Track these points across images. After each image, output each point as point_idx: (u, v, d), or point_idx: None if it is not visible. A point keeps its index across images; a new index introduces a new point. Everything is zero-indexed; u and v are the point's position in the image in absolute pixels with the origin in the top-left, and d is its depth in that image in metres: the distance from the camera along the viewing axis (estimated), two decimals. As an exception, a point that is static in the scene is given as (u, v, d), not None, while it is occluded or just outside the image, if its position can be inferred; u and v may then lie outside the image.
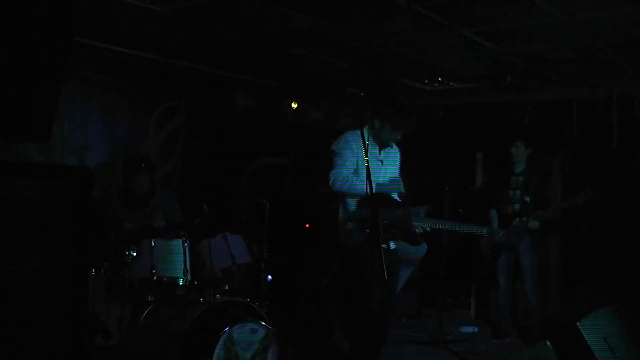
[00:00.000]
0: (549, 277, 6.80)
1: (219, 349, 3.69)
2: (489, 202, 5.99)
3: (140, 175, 4.90)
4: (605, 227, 6.30)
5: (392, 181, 4.19)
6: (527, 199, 5.71)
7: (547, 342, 4.27)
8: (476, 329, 6.11)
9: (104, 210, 4.81)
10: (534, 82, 6.14)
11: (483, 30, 4.41)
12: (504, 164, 5.94)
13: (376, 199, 3.56)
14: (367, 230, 3.66)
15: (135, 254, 4.39)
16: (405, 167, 4.34)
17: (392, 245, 4.05)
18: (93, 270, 4.33)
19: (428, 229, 4.03)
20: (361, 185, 3.72)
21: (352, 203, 4.07)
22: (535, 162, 5.95)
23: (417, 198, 7.12)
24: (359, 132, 3.74)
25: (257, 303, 4.36)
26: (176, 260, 4.40)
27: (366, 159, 3.56)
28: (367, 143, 3.66)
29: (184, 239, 4.44)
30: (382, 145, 4.18)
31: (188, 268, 4.41)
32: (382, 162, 4.19)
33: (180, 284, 4.40)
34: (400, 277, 4.30)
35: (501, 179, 5.95)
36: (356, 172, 4.01)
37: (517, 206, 5.75)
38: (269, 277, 4.78)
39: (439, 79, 6.19)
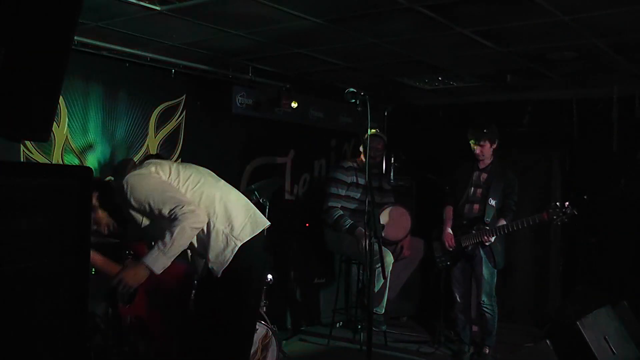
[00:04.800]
0: (549, 277, 6.80)
1: (219, 349, 3.67)
2: (444, 199, 5.43)
3: None
4: (605, 227, 6.30)
5: None
6: (492, 202, 5.06)
7: (547, 342, 4.28)
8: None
9: None
10: (534, 82, 6.14)
11: (483, 30, 4.40)
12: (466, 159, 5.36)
13: None
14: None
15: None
16: (406, 168, 4.26)
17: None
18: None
19: None
20: None
21: None
22: (506, 163, 5.36)
23: (419, 197, 7.12)
24: None
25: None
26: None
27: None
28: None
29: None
30: None
31: (188, 267, 4.41)
32: None
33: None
34: None
35: (461, 174, 5.33)
36: None
37: (476, 207, 5.17)
38: (269, 276, 4.78)
39: (439, 79, 6.18)
